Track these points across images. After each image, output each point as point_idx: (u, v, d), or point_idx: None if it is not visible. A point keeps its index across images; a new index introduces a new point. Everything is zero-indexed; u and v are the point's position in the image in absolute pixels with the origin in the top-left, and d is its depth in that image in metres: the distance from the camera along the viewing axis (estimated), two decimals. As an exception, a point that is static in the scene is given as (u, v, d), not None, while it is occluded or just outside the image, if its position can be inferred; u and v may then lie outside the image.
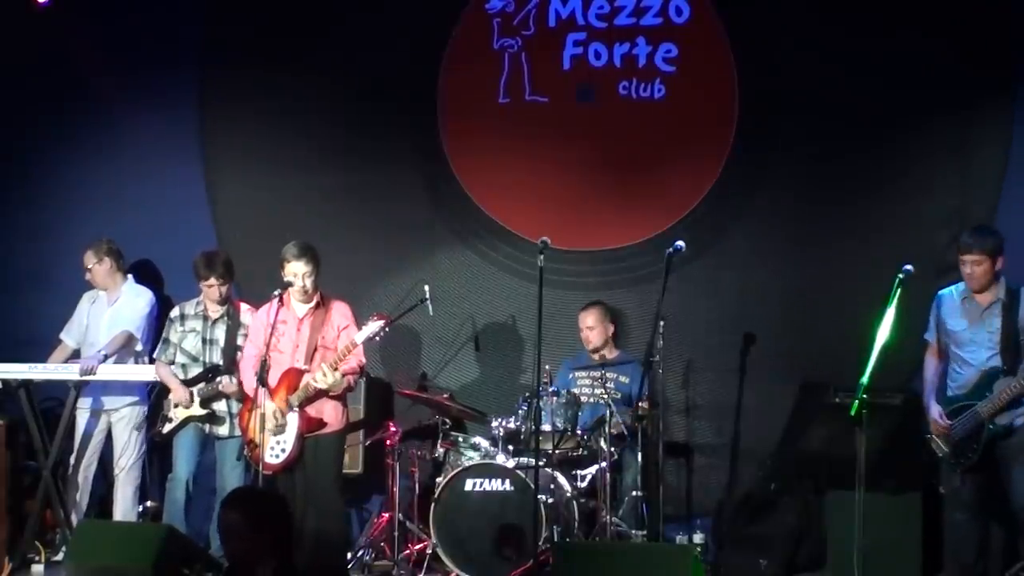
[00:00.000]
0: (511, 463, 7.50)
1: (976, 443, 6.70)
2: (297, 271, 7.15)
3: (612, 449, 7.55)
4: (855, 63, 8.07)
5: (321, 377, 7.04)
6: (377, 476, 8.21)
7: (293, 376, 7.15)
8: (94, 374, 7.93)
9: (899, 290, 6.72)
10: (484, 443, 7.80)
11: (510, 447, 7.63)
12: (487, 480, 7.46)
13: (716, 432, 8.26)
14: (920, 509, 7.22)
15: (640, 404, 7.47)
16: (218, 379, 7.74)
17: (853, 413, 6.65)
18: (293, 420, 7.11)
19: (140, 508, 8.23)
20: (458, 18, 8.78)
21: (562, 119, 8.60)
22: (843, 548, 6.92)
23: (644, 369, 7.44)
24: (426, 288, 8.00)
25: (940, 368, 7.02)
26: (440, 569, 7.57)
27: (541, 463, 7.25)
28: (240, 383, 7.50)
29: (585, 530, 7.62)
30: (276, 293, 7.14)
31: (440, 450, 7.90)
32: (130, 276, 8.39)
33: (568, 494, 7.59)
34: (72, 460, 8.20)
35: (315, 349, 7.19)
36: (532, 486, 7.03)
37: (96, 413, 8.19)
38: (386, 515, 7.91)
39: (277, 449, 7.10)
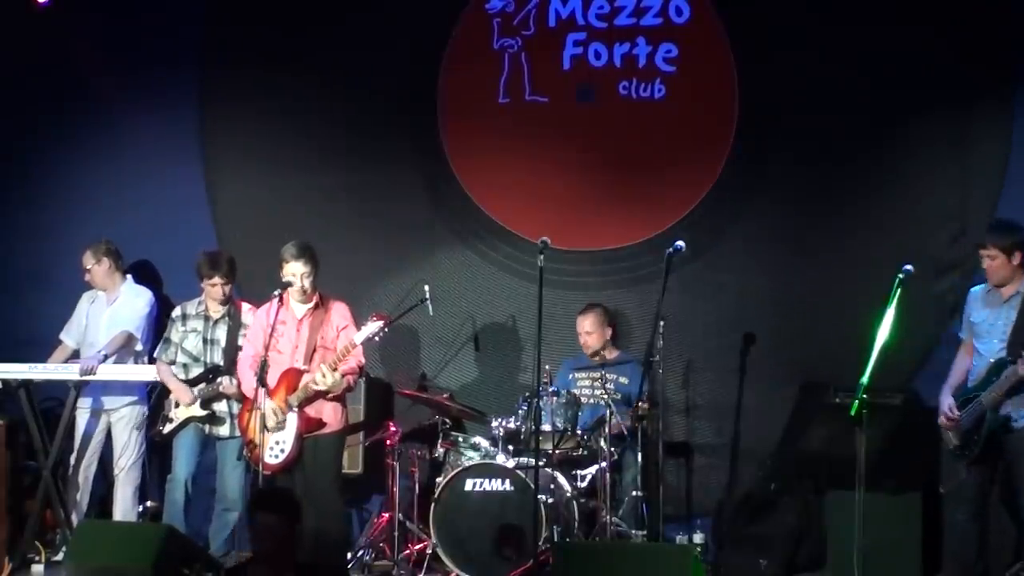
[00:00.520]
0: (511, 463, 7.50)
1: (978, 434, 6.69)
2: (296, 271, 7.14)
3: (612, 449, 7.55)
4: (855, 63, 8.07)
5: (320, 378, 7.03)
6: (377, 476, 8.21)
7: (292, 376, 7.15)
8: (94, 374, 7.94)
9: (899, 290, 6.72)
10: (484, 443, 7.80)
11: (510, 447, 7.63)
12: (487, 480, 7.46)
13: (716, 432, 8.26)
14: (920, 509, 7.22)
15: (640, 404, 7.47)
16: (218, 380, 7.74)
17: (853, 413, 6.65)
18: (292, 420, 7.10)
19: (140, 508, 8.23)
20: (458, 18, 8.77)
21: (562, 119, 8.59)
22: (843, 548, 6.92)
23: (644, 369, 7.44)
24: (426, 288, 8.01)
25: (968, 365, 6.97)
26: (440, 569, 7.57)
27: (541, 463, 7.25)
28: (239, 383, 7.50)
29: (585, 530, 7.61)
30: (276, 293, 7.14)
31: (440, 450, 7.89)
32: (129, 276, 8.39)
33: (568, 494, 7.58)
34: (72, 460, 8.20)
35: (314, 349, 7.18)
36: (532, 486, 7.02)
37: (96, 413, 8.19)
38: (386, 515, 7.91)
39: (276, 449, 7.10)
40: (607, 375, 7.93)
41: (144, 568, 6.36)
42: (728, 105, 8.31)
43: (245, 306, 7.89)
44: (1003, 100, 7.92)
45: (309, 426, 7.11)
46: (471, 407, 8.16)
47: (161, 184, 9.04)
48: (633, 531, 7.52)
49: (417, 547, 7.77)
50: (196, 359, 7.90)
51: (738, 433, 8.16)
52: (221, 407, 7.81)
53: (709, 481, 8.25)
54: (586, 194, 8.58)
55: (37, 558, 7.99)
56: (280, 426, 7.08)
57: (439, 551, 7.48)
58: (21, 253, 9.23)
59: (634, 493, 7.63)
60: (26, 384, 7.99)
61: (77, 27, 9.07)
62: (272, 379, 7.13)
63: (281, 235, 7.59)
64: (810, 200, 8.24)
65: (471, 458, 7.76)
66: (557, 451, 7.60)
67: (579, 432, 7.68)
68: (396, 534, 7.73)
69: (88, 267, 8.26)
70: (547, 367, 7.51)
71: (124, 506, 8.11)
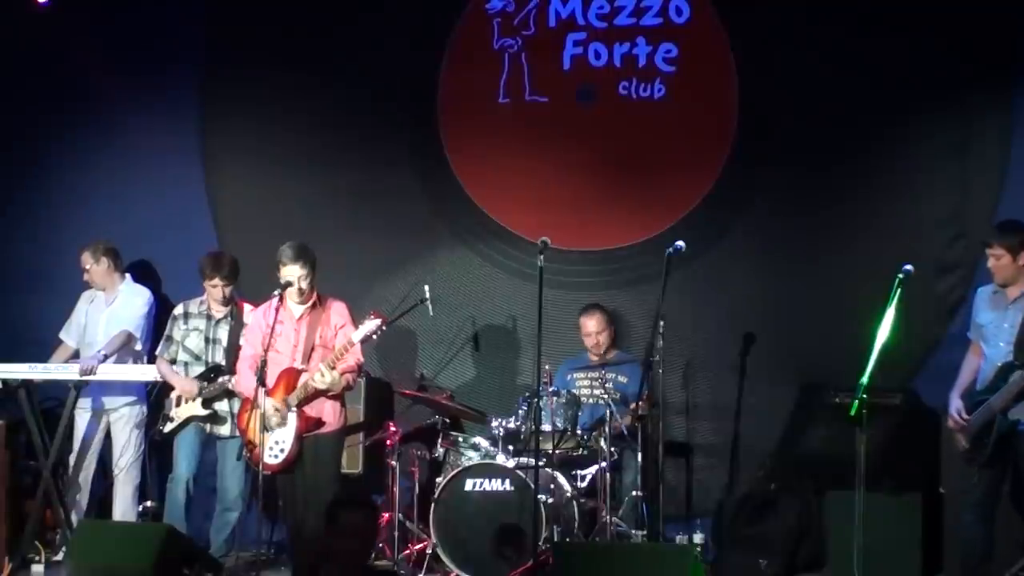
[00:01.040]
0: (511, 463, 7.50)
1: (987, 437, 6.68)
2: (293, 273, 7.13)
3: (612, 449, 7.55)
4: (855, 63, 8.08)
5: (319, 377, 7.03)
6: (377, 476, 8.21)
7: (290, 376, 7.15)
8: (94, 374, 7.94)
9: (899, 290, 6.72)
10: (484, 443, 7.79)
11: (510, 447, 7.63)
12: (487, 480, 7.46)
13: (716, 432, 8.27)
14: (920, 509, 7.21)
15: (639, 403, 7.47)
16: (220, 379, 7.74)
17: (853, 413, 6.64)
18: (292, 420, 7.10)
19: (140, 508, 8.23)
20: (458, 18, 8.78)
21: (562, 119, 8.60)
22: (843, 548, 6.91)
23: (643, 369, 7.44)
24: (426, 288, 8.01)
25: (976, 366, 6.96)
26: (440, 569, 7.57)
27: (541, 463, 7.25)
28: (238, 383, 7.49)
29: (585, 530, 7.61)
30: (276, 293, 7.14)
31: (440, 450, 7.89)
32: (128, 276, 8.38)
33: (568, 494, 7.58)
34: (72, 460, 8.20)
35: (312, 349, 7.18)
36: (532, 486, 7.02)
37: (95, 413, 8.19)
38: (386, 515, 7.90)
39: (276, 449, 7.10)
40: (607, 375, 7.93)
41: (144, 568, 6.37)
42: (728, 105, 8.32)
43: (247, 306, 7.89)
44: (1003, 102, 7.93)
45: (308, 425, 7.11)
46: (471, 407, 8.16)
47: (161, 184, 9.04)
48: (633, 531, 7.52)
49: (417, 547, 7.77)
50: (197, 358, 7.90)
51: (738, 433, 8.17)
52: (222, 406, 7.81)
53: (709, 481, 8.26)
54: (586, 194, 8.58)
55: (37, 558, 7.98)
56: (282, 422, 7.06)
57: (439, 551, 7.48)
58: (21, 253, 9.23)
59: (634, 493, 7.63)
60: (26, 384, 7.99)
61: (77, 27, 9.06)
62: (271, 379, 7.13)
63: (281, 235, 7.58)
64: (810, 200, 8.24)
65: (471, 458, 7.76)
66: (557, 451, 7.60)
67: (579, 432, 7.68)
68: (396, 534, 7.72)
69: (87, 267, 8.26)
70: (547, 367, 7.52)
71: (124, 506, 8.11)
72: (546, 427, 7.53)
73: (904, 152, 8.10)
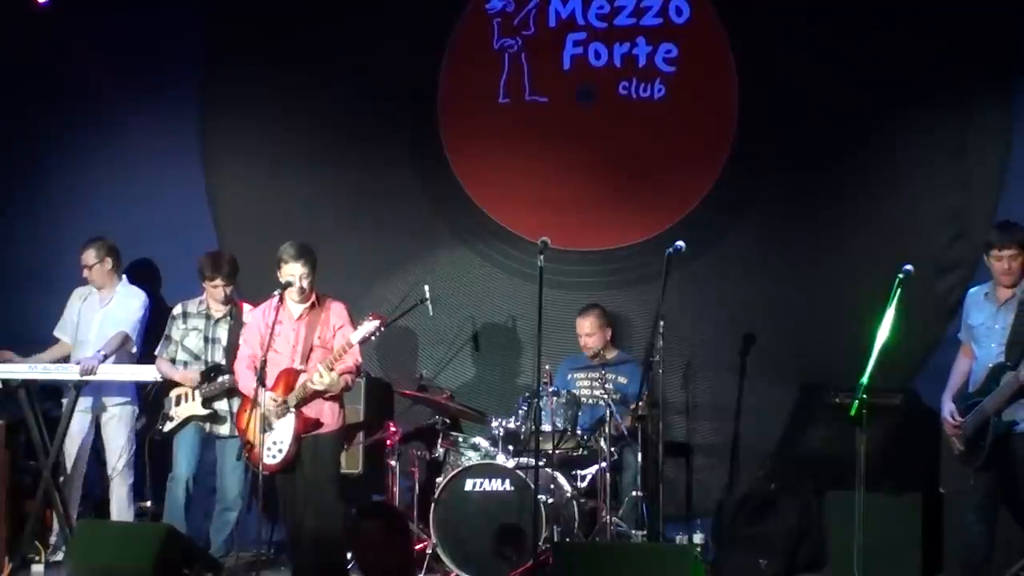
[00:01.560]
0: (511, 463, 7.50)
1: (983, 439, 6.67)
2: (294, 272, 7.12)
3: (612, 449, 7.55)
4: (855, 63, 8.08)
5: (318, 378, 7.02)
6: (377, 476, 8.20)
7: (289, 376, 7.14)
8: (95, 374, 7.93)
9: (899, 290, 6.70)
10: (484, 443, 7.79)
11: (510, 447, 7.63)
12: (487, 480, 7.46)
13: (716, 432, 8.27)
14: (920, 509, 7.22)
15: (638, 404, 7.47)
16: (220, 378, 7.74)
17: (853, 413, 6.63)
18: (290, 420, 7.09)
19: (135, 507, 8.22)
20: (458, 18, 8.78)
21: (562, 119, 8.60)
22: (843, 548, 6.91)
23: (643, 369, 7.44)
24: (426, 288, 8.01)
25: (968, 368, 6.92)
26: (440, 569, 7.56)
27: (541, 463, 7.25)
28: (237, 383, 7.49)
29: (585, 530, 7.61)
30: (276, 293, 7.14)
31: (440, 450, 7.89)
32: (124, 277, 8.38)
33: (568, 494, 7.58)
34: (72, 461, 8.19)
35: (311, 349, 7.17)
36: (532, 486, 7.02)
37: (88, 413, 8.17)
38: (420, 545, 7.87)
39: (275, 450, 7.08)
40: (607, 375, 7.93)
41: (144, 568, 6.36)
42: (728, 105, 8.32)
43: (247, 306, 7.89)
44: (1002, 101, 7.93)
45: (307, 426, 7.10)
46: (471, 407, 8.16)
47: (161, 184, 9.04)
48: (633, 531, 7.52)
49: (417, 547, 7.75)
50: (197, 357, 7.90)
51: (738, 433, 8.17)
52: (222, 406, 7.80)
53: (709, 481, 8.26)
54: (586, 194, 8.58)
55: (37, 558, 7.98)
56: (283, 412, 7.04)
57: (439, 551, 7.48)
58: (21, 253, 9.23)
59: (634, 493, 7.63)
60: (26, 384, 7.98)
61: (77, 27, 9.06)
62: (269, 379, 7.12)
63: (281, 235, 7.57)
64: (810, 200, 8.24)
65: (471, 458, 7.76)
66: (557, 451, 7.60)
67: (579, 432, 7.68)
68: (396, 534, 7.71)
69: (89, 264, 8.25)
70: (547, 367, 7.52)
71: (120, 505, 8.10)
72: (546, 427, 7.53)
73: (904, 152, 8.10)
